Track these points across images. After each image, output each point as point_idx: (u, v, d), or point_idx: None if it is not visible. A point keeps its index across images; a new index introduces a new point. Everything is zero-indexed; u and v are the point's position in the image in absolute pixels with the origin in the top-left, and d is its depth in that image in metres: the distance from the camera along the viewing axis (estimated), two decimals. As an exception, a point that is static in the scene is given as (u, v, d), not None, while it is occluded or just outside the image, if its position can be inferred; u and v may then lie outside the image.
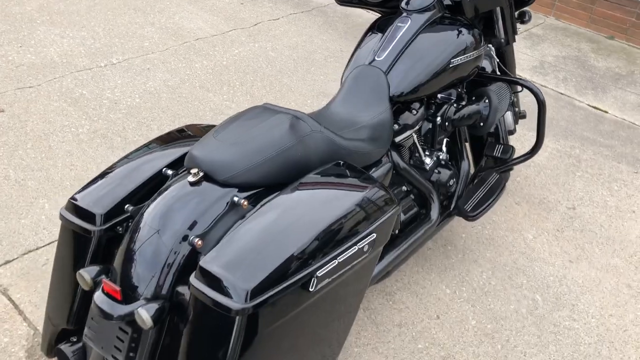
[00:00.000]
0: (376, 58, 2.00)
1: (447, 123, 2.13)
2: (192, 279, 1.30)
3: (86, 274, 1.44)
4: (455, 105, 2.14)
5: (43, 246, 2.22)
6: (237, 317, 1.23)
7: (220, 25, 4.02)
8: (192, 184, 1.49)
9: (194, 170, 1.49)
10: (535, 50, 4.33)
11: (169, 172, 1.60)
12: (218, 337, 1.26)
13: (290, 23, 4.17)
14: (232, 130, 1.58)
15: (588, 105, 3.71)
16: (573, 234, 2.62)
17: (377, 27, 2.16)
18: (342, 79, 2.07)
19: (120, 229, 1.55)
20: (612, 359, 2.07)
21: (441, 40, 2.01)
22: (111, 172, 1.64)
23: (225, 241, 1.36)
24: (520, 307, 2.22)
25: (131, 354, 1.39)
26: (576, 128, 3.44)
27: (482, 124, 2.15)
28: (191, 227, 1.42)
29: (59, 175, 2.56)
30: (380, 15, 2.28)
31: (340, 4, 2.32)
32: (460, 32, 2.04)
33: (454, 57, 2.00)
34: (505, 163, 2.33)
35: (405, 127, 2.03)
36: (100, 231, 1.51)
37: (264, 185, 1.54)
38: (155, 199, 1.49)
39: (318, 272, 1.34)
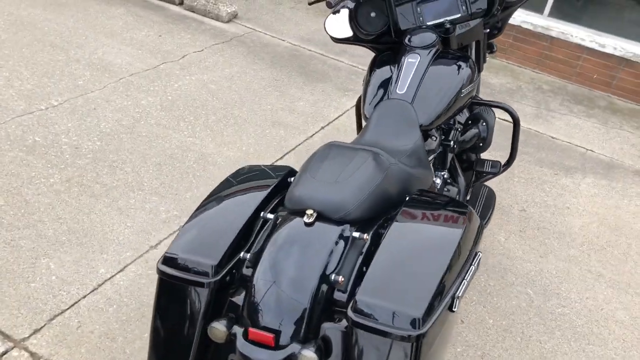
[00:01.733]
0: (398, 91, 2.18)
1: (455, 146, 2.38)
2: (352, 313, 1.37)
3: (221, 326, 1.44)
4: (459, 129, 2.39)
5: (68, 308, 2.08)
6: (412, 344, 1.34)
7: (148, 59, 3.93)
8: (307, 224, 1.54)
9: (309, 212, 1.55)
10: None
11: (269, 215, 1.64)
12: (393, 363, 1.35)
13: (215, 54, 4.19)
14: (326, 170, 1.66)
15: (499, 117, 4.22)
16: (533, 232, 3.01)
17: (382, 63, 2.34)
18: (362, 114, 2.23)
19: (228, 277, 1.56)
20: (602, 334, 2.45)
21: (451, 72, 2.25)
22: (201, 220, 1.63)
23: (371, 274, 1.44)
24: (521, 302, 2.53)
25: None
26: (497, 139, 3.91)
27: (481, 144, 2.43)
28: (326, 266, 1.48)
29: (50, 230, 2.38)
30: (374, 52, 2.47)
31: (337, 42, 2.47)
32: (462, 64, 2.30)
33: (463, 87, 2.25)
34: (486, 176, 2.64)
35: (429, 152, 2.23)
36: (215, 282, 1.51)
37: (367, 219, 1.65)
38: (275, 242, 1.52)
39: (458, 292, 1.48)
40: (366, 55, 4.70)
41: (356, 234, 1.56)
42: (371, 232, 1.59)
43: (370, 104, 2.23)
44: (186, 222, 1.64)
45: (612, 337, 2.45)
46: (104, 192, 2.65)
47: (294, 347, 1.40)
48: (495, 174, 2.60)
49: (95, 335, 2.01)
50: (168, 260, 1.53)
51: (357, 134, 2.87)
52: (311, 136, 3.45)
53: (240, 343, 1.42)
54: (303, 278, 1.46)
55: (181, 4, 4.89)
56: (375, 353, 1.37)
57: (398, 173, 1.78)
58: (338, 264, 1.51)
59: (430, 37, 2.28)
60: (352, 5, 2.37)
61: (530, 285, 2.64)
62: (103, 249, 2.36)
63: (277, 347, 1.40)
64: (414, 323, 1.34)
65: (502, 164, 2.63)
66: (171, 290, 1.54)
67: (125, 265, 2.31)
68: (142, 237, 2.46)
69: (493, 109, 2.62)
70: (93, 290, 2.18)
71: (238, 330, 1.45)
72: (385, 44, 2.44)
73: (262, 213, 1.66)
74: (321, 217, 1.56)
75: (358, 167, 1.67)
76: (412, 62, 2.23)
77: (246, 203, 1.69)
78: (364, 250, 1.56)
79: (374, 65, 2.37)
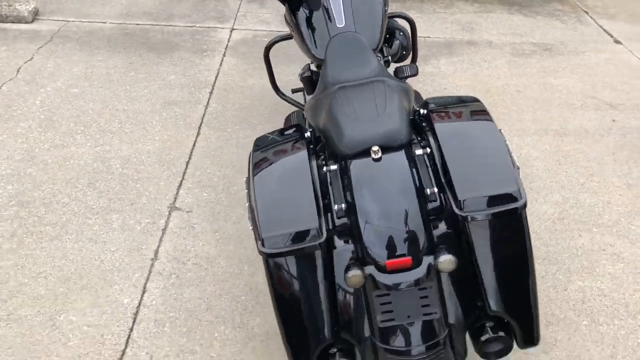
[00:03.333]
0: (338, 25, 2.32)
1: (390, 60, 2.61)
2: (464, 212, 1.57)
3: (358, 272, 1.56)
4: (386, 45, 2.62)
5: (125, 347, 1.96)
6: (520, 214, 1.60)
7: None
8: (376, 160, 1.69)
9: (375, 148, 1.70)
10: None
11: (332, 167, 1.74)
12: (512, 236, 1.61)
13: (49, 58, 3.79)
14: (362, 109, 1.80)
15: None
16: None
17: (304, 8, 2.42)
18: (311, 58, 2.33)
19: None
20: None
21: None
22: (271, 195, 1.67)
23: (455, 175, 1.64)
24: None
25: (441, 301, 1.61)
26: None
27: (404, 52, 2.69)
28: (416, 185, 1.66)
29: (41, 288, 2.17)
30: (284, 3, 2.55)
31: None
32: None
33: (385, 4, 2.46)
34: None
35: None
36: (325, 241, 1.60)
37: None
38: (360, 186, 1.65)
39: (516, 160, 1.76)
40: (192, 14, 4.63)
41: (419, 151, 1.75)
42: (426, 145, 1.78)
43: (317, 46, 2.33)
44: (256, 204, 1.66)
45: (541, 170, 3.00)
46: (61, 231, 2.42)
47: (428, 259, 1.58)
48: (414, 75, 2.90)
49: (173, 357, 1.95)
50: (269, 240, 1.56)
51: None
52: (207, 103, 3.41)
53: (382, 277, 1.56)
54: (407, 202, 1.62)
55: (-33, 16, 4.24)
56: (491, 236, 1.61)
57: (405, 90, 1.97)
58: (420, 180, 1.69)
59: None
60: None
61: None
62: (108, 281, 2.22)
63: (414, 266, 1.57)
64: (514, 196, 1.60)
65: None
66: (283, 267, 1.59)
67: (144, 285, 2.21)
68: (136, 255, 2.34)
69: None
70: (135, 321, 2.07)
71: (371, 269, 1.57)
72: None
73: (324, 168, 1.74)
74: (383, 149, 1.70)
75: (385, 97, 1.83)
76: (334, -5, 2.36)
77: (298, 165, 1.75)
78: (430, 161, 1.75)
79: (295, 14, 2.44)
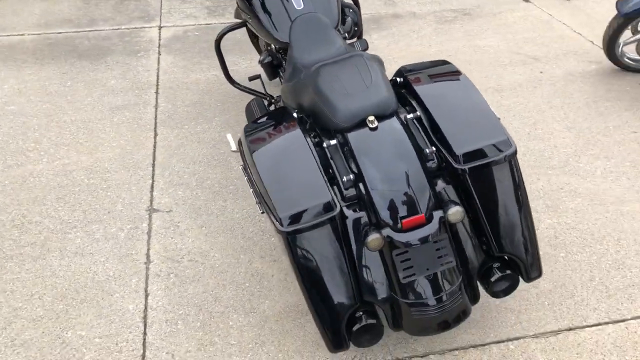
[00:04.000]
0: (297, 7, 2.38)
1: (346, 36, 2.69)
2: (462, 165, 1.71)
3: (377, 234, 1.66)
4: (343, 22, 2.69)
5: (144, 352, 1.96)
6: (512, 159, 1.75)
7: None
8: (372, 129, 1.79)
9: (370, 118, 1.80)
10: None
11: (331, 142, 1.81)
12: (508, 180, 1.76)
13: (-26, 77, 3.59)
14: (349, 83, 1.88)
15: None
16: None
17: None
18: (274, 42, 2.37)
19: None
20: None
21: None
22: (278, 176, 1.73)
23: (448, 132, 1.77)
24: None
25: (454, 251, 1.74)
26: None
27: (356, 28, 2.79)
28: (415, 148, 1.76)
29: (39, 309, 2.12)
30: None
31: None
32: None
33: None
34: None
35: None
36: (341, 209, 1.69)
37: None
38: (364, 155, 1.74)
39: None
40: (115, 16, 4.49)
41: (410, 115, 1.86)
42: (411, 110, 1.89)
43: (280, 30, 2.37)
44: (266, 186, 1.71)
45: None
46: (42, 250, 2.34)
47: (439, 213, 1.71)
48: (365, 50, 3.00)
49: (194, 352, 1.97)
50: (287, 219, 1.63)
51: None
52: (157, 103, 3.36)
53: (400, 237, 1.66)
54: (410, 164, 1.74)
55: None
56: (490, 184, 1.75)
57: (381, 62, 2.07)
58: (416, 142, 1.80)
59: (290, -49, 2.47)
60: None
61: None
62: (107, 291, 2.18)
63: (427, 222, 1.68)
64: (506, 144, 1.74)
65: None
66: (303, 242, 1.66)
67: (145, 289, 2.19)
68: (128, 261, 2.31)
69: None
70: (146, 324, 2.06)
71: (387, 231, 1.67)
72: None
73: (324, 144, 1.81)
74: (377, 118, 1.80)
75: (368, 70, 1.92)
76: (292, -21, 2.41)
77: (296, 144, 1.82)
78: (419, 124, 1.86)
79: (250, 2, 2.47)
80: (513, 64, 3.86)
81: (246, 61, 3.83)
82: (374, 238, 1.66)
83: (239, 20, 3.17)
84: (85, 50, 3.93)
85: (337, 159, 1.82)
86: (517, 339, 2.01)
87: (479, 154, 1.74)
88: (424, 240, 1.67)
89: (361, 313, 1.76)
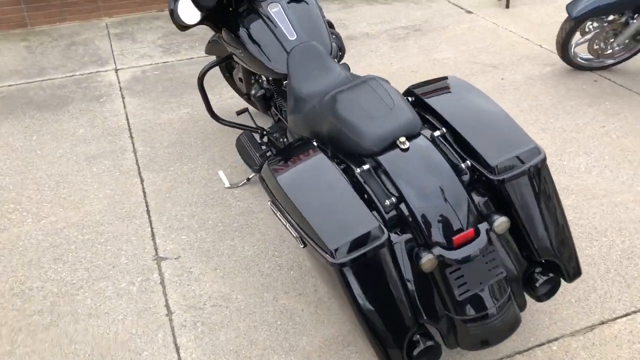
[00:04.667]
0: (290, 38, 2.37)
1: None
2: (499, 176, 1.75)
3: (430, 255, 1.67)
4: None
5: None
6: (544, 165, 1.80)
7: None
8: (404, 150, 1.80)
9: (402, 139, 1.81)
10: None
11: (364, 167, 1.81)
12: (543, 186, 1.81)
13: None
14: (372, 108, 1.88)
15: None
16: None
17: (243, 29, 2.43)
18: (269, 73, 2.35)
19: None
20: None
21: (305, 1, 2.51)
22: (318, 209, 1.70)
23: (479, 146, 1.81)
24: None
25: (505, 259, 1.76)
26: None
27: (340, 53, 2.80)
28: (450, 165, 1.79)
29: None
30: (215, 30, 2.54)
31: (185, 30, 2.46)
32: None
33: (320, 9, 2.55)
34: None
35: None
36: (388, 235, 1.69)
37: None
38: (401, 177, 1.76)
39: None
40: (66, 63, 4.34)
41: (436, 133, 1.89)
42: (435, 127, 1.92)
43: (276, 62, 2.35)
44: (309, 220, 1.68)
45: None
46: (52, 316, 2.20)
47: (484, 226, 1.73)
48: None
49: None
50: (337, 251, 1.61)
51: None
52: (134, 148, 3.25)
53: (452, 254, 1.68)
54: (448, 181, 1.76)
55: None
56: (526, 191, 1.80)
57: (389, 84, 2.09)
58: (449, 158, 1.83)
59: (269, -15, 2.47)
60: None
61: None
62: (135, 351, 2.06)
63: (476, 236, 1.70)
64: (535, 150, 1.80)
65: None
66: (356, 272, 1.64)
67: (174, 343, 2.09)
68: (148, 316, 2.20)
69: None
70: (186, 379, 1.96)
71: (439, 250, 1.68)
72: (224, 15, 2.53)
73: (357, 170, 1.81)
74: (406, 138, 1.81)
75: (387, 92, 1.94)
76: (278, 10, 2.42)
77: (328, 174, 1.80)
78: (444, 139, 1.89)
79: (237, 36, 2.44)
80: (474, 74, 3.99)
81: (215, 96, 3.78)
82: (428, 259, 1.66)
83: (214, 57, 3.13)
84: (43, 101, 3.76)
85: (373, 184, 1.81)
86: (556, 339, 2.05)
87: (513, 163, 1.78)
88: (475, 255, 1.68)
89: (418, 336, 1.74)
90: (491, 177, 1.78)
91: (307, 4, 2.51)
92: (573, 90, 3.72)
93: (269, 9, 2.44)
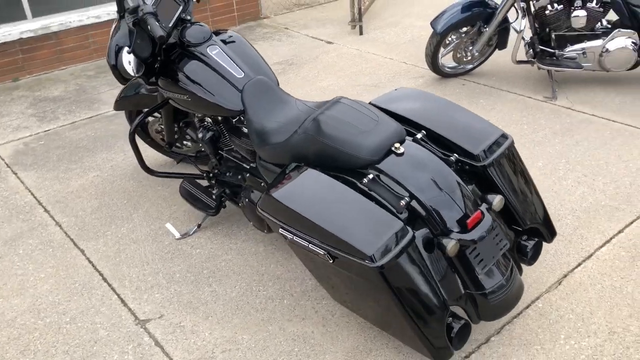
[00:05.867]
0: (238, 76, 2.44)
1: None
2: (483, 162, 2.00)
3: (452, 240, 1.85)
4: None
5: None
6: (513, 147, 2.09)
7: None
8: (399, 154, 1.99)
9: (397, 145, 1.99)
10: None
11: (370, 175, 1.95)
12: (516, 163, 2.09)
13: None
14: (357, 122, 2.05)
15: (113, 110, 4.37)
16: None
17: (186, 73, 2.44)
18: (223, 112, 2.39)
19: None
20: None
21: (238, 38, 2.58)
22: (341, 221, 1.81)
23: (457, 139, 2.05)
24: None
25: (507, 232, 2.01)
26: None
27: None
28: (441, 159, 2.00)
29: None
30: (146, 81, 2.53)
31: (125, 83, 2.43)
32: (227, 29, 2.64)
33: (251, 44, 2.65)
34: None
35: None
36: (413, 232, 1.84)
37: None
38: (407, 180, 1.93)
39: None
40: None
41: (419, 135, 2.10)
42: (416, 131, 2.13)
43: (230, 100, 2.39)
44: (337, 234, 1.79)
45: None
46: None
47: (484, 206, 1.96)
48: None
49: None
50: (375, 255, 1.73)
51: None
52: (56, 221, 3.02)
53: (469, 236, 1.87)
54: (445, 174, 1.98)
55: None
56: (505, 171, 2.07)
57: None
58: (436, 155, 2.04)
59: (202, 28, 2.54)
60: (127, 43, 2.37)
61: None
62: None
63: (482, 216, 1.92)
64: (504, 136, 2.10)
65: None
66: (395, 269, 1.79)
67: (200, 397, 2.00)
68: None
69: None
70: None
71: (456, 235, 1.87)
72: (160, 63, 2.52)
73: (364, 180, 1.94)
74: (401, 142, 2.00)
75: (365, 107, 2.10)
76: (218, 52, 2.49)
77: (335, 188, 1.94)
78: (425, 139, 2.11)
79: (183, 82, 2.44)
80: (361, 94, 4.31)
81: (118, 155, 3.63)
82: (453, 244, 1.83)
83: (143, 109, 3.06)
84: None
85: (380, 190, 1.94)
86: (538, 298, 2.33)
87: (491, 149, 2.04)
88: (488, 231, 1.89)
89: (450, 319, 1.90)
90: (476, 164, 2.01)
91: (240, 42, 2.58)
92: (449, 95, 4.19)
93: (208, 51, 2.48)
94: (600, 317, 2.21)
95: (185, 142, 3.28)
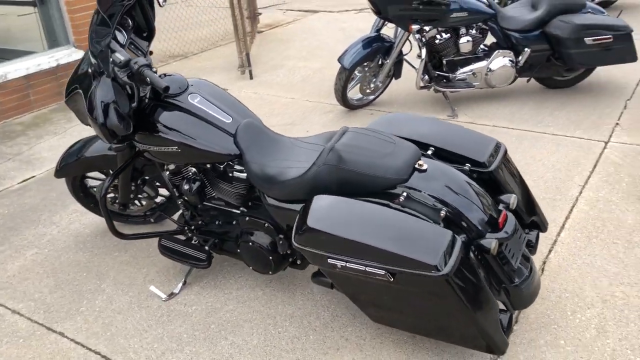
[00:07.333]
0: (227, 121, 2.43)
1: None
2: (491, 167, 2.22)
3: (493, 240, 2.03)
4: None
5: None
6: (507, 152, 2.34)
7: None
8: (422, 170, 2.14)
9: (420, 162, 2.14)
10: None
11: (403, 194, 2.08)
12: (512, 167, 2.34)
13: None
14: (375, 147, 2.17)
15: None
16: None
17: (176, 125, 2.37)
18: (219, 158, 2.37)
19: None
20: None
21: (212, 84, 2.57)
22: (389, 237, 1.91)
23: (464, 151, 2.25)
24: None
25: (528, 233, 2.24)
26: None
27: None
28: (460, 170, 2.19)
29: None
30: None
31: (112, 141, 2.31)
32: (201, 77, 2.62)
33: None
34: None
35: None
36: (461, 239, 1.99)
37: None
38: (438, 192, 2.08)
39: None
40: None
41: (429, 152, 2.27)
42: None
43: (224, 147, 2.37)
44: (395, 251, 1.89)
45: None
46: None
47: (504, 206, 2.17)
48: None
49: None
50: (439, 265, 1.86)
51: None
52: (13, 309, 2.69)
53: (502, 234, 2.07)
54: (467, 182, 2.17)
55: None
56: (506, 173, 2.33)
57: None
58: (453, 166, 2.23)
59: (178, 77, 2.51)
60: (114, 99, 2.27)
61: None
62: None
63: (507, 215, 2.13)
64: (499, 144, 2.36)
65: None
66: (458, 274, 1.91)
67: None
68: None
69: None
70: None
71: (491, 235, 2.06)
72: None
73: (400, 198, 2.06)
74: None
75: (379, 132, 2.24)
76: (201, 99, 2.50)
77: (374, 210, 2.04)
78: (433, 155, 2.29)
79: (159, 137, 2.37)
80: (285, 133, 4.41)
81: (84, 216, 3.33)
82: (495, 243, 1.99)
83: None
84: None
85: (415, 206, 2.06)
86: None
87: (493, 156, 2.27)
88: (515, 227, 2.10)
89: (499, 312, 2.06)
90: (485, 170, 2.22)
91: (213, 88, 2.57)
92: (362, 125, 4.44)
93: (189, 99, 2.43)
94: (589, 290, 2.51)
95: (136, 202, 3.12)
